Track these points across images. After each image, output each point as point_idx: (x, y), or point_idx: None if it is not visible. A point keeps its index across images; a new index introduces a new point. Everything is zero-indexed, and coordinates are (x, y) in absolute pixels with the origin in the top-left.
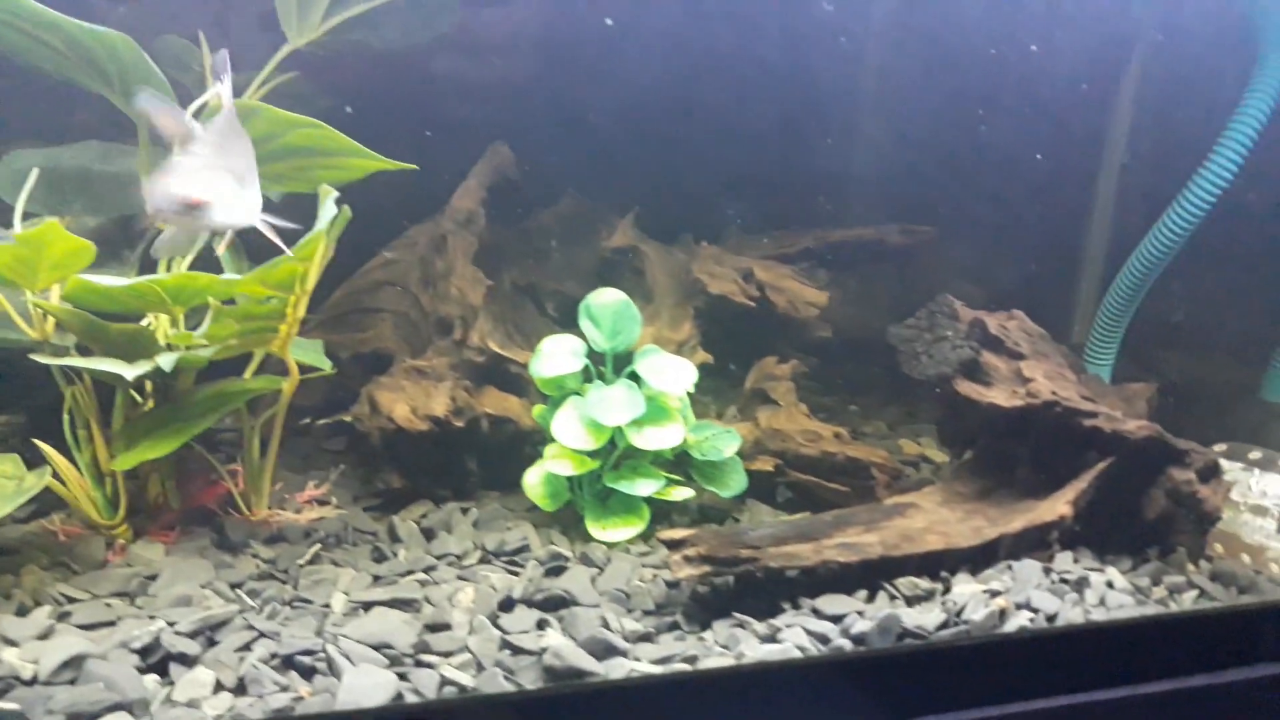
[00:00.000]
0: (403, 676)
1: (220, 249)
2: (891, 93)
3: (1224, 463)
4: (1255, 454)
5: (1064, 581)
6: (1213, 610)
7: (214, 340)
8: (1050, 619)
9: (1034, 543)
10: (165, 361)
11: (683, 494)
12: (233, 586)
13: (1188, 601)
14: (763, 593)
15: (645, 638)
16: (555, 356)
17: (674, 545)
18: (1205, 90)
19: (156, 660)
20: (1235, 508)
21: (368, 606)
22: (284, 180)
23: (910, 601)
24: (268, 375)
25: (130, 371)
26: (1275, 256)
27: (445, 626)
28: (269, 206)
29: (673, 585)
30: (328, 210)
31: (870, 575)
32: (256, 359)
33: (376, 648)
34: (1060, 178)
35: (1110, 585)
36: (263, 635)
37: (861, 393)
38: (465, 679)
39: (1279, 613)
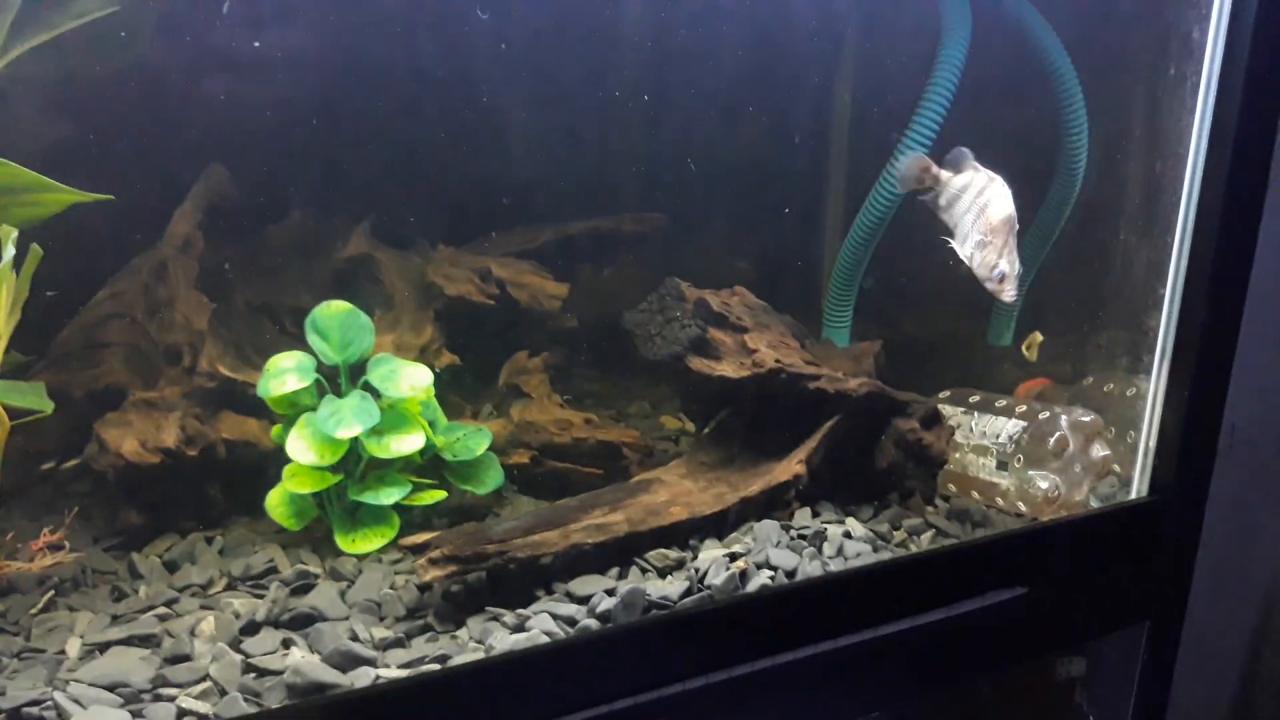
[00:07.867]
0: (137, 714)
1: None
2: (618, 93)
3: (947, 408)
4: (975, 397)
5: (801, 537)
6: (940, 549)
7: None
8: (790, 575)
9: (773, 503)
10: None
11: (433, 496)
12: None
13: (925, 542)
14: (518, 584)
15: (396, 644)
16: (282, 375)
17: (418, 550)
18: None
19: None
20: (961, 449)
21: (104, 648)
22: None
23: (662, 573)
24: None
25: None
26: None
27: (185, 658)
28: None
29: (425, 589)
30: (8, 252)
31: (621, 553)
32: None
33: (111, 688)
34: (795, 158)
35: (848, 535)
36: None
37: (628, 375)
38: (204, 707)
39: (999, 544)
